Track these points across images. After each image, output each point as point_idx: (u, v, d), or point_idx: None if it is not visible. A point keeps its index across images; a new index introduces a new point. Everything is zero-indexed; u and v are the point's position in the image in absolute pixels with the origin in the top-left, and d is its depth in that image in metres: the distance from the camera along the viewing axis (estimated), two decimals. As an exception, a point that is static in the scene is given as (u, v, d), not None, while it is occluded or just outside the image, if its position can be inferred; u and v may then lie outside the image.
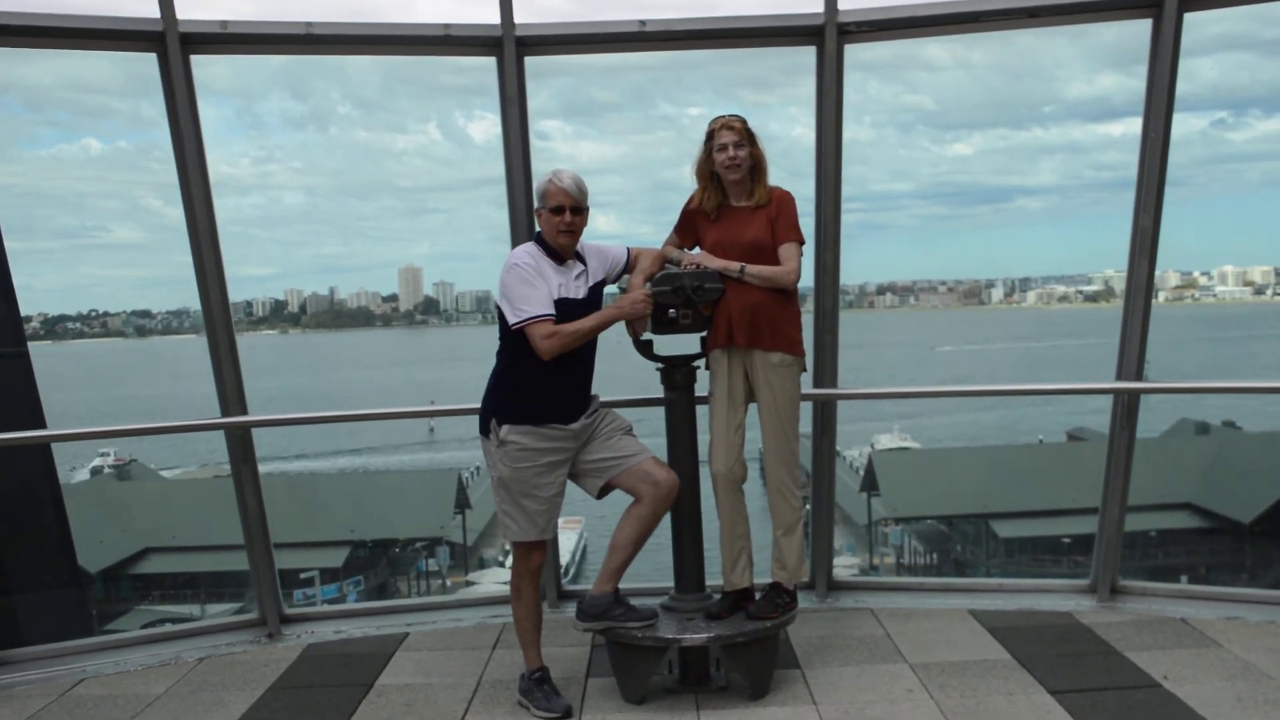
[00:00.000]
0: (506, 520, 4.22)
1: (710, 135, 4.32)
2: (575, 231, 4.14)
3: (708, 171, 4.36)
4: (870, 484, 21.05)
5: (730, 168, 4.28)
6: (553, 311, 4.04)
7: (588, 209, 4.17)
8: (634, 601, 4.29)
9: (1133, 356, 5.13)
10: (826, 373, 5.29)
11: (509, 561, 4.98)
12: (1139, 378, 5.16)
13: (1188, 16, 4.86)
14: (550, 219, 4.12)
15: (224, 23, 4.91)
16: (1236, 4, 4.94)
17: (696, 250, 4.43)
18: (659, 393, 4.49)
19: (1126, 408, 5.23)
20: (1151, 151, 4.97)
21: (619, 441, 4.26)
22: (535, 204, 4.21)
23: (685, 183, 4.51)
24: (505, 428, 4.10)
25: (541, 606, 4.44)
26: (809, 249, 4.48)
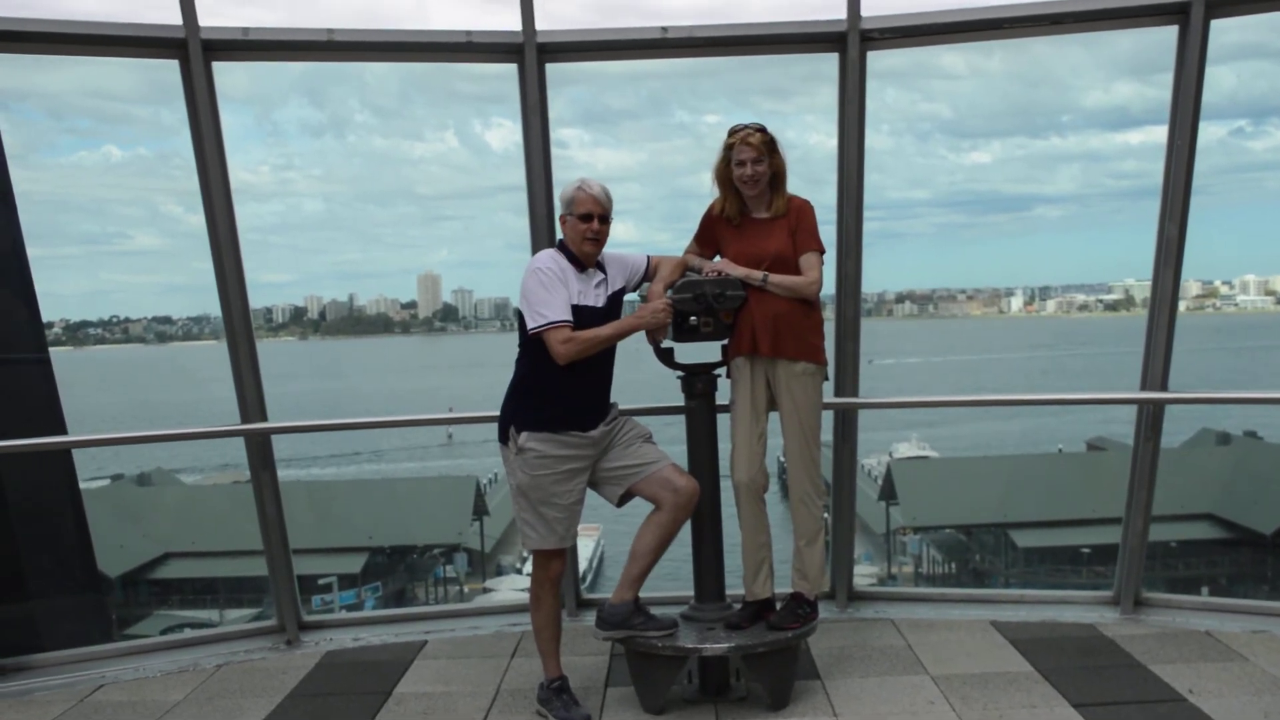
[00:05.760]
0: (526, 528, 4.21)
1: (730, 147, 4.29)
2: (601, 240, 4.14)
3: (727, 178, 4.33)
4: (889, 493, 20.95)
5: (748, 183, 4.26)
6: (570, 318, 4.03)
7: (611, 219, 4.16)
8: (654, 610, 4.27)
9: (1158, 366, 5.08)
10: (848, 382, 5.26)
11: (526, 569, 4.96)
12: (1164, 388, 5.11)
13: (1212, 24, 4.82)
14: (577, 225, 4.11)
15: (246, 30, 4.91)
16: (1263, 11, 4.90)
17: (718, 259, 4.41)
18: (679, 400, 4.49)
19: (1151, 418, 5.18)
20: (1178, 160, 4.92)
21: (639, 449, 4.24)
22: (560, 210, 4.20)
23: (702, 190, 4.49)
24: (524, 435, 4.09)
25: (561, 615, 4.43)
26: (830, 257, 4.46)
